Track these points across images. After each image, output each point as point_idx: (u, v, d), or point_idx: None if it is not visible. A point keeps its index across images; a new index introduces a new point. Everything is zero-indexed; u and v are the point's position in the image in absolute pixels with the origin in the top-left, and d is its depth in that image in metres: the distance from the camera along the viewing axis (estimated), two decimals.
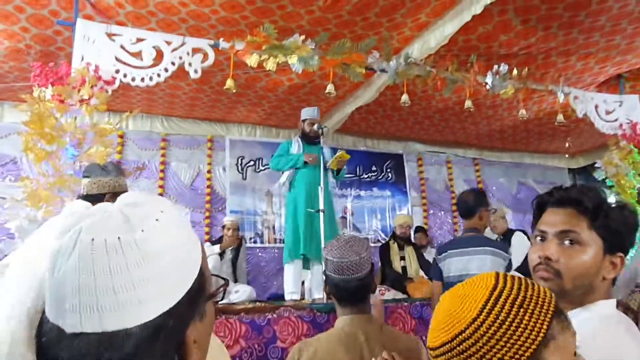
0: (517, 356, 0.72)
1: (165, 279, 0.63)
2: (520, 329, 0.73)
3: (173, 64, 3.60)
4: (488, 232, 5.75)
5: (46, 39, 4.18)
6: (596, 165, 5.19)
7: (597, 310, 1.13)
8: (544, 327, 0.74)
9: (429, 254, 6.09)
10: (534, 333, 0.73)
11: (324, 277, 1.86)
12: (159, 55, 3.59)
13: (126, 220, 0.63)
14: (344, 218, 7.04)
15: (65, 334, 0.59)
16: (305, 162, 4.28)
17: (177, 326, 0.64)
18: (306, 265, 4.30)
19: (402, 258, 5.20)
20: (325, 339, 1.73)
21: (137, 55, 3.54)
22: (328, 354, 1.66)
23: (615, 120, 5.08)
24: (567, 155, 8.49)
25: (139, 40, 3.56)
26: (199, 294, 0.68)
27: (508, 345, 0.72)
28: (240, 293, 4.66)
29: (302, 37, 3.84)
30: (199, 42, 3.73)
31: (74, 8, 3.57)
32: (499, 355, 0.72)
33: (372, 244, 6.93)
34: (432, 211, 7.69)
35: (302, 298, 4.43)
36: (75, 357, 0.59)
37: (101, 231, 0.61)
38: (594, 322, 1.10)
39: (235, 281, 5.13)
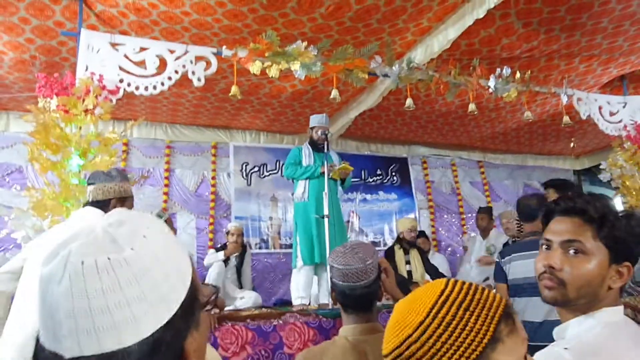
0: (463, 358, 0.73)
1: (159, 293, 0.63)
2: (465, 332, 0.74)
3: (176, 72, 3.63)
4: (494, 235, 5.75)
5: (51, 49, 4.21)
6: (601, 166, 5.17)
7: (601, 318, 1.12)
8: (490, 329, 0.75)
9: (435, 258, 6.08)
10: (479, 335, 0.74)
11: (330, 284, 1.84)
12: (163, 64, 3.62)
13: (113, 240, 0.63)
14: (350, 222, 7.04)
15: None
16: (322, 173, 4.27)
17: (175, 339, 0.64)
18: (315, 271, 4.31)
19: (407, 262, 5.19)
20: (330, 348, 1.70)
21: (141, 64, 3.57)
22: None
23: (620, 121, 5.07)
24: (572, 156, 8.46)
25: (143, 49, 3.59)
26: (193, 305, 0.68)
27: (454, 347, 0.73)
28: (245, 299, 4.66)
29: (305, 43, 3.85)
30: (202, 50, 3.76)
31: (78, 19, 3.61)
32: (445, 357, 0.73)
33: (379, 248, 6.98)
34: (438, 214, 7.67)
35: (309, 303, 4.43)
36: None
37: (90, 253, 0.61)
38: (597, 329, 1.10)
39: (241, 287, 5.13)
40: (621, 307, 1.17)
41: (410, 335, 0.76)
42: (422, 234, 6.44)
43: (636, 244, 1.14)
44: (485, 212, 5.88)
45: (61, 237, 0.65)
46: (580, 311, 1.15)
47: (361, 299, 1.73)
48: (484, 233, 5.77)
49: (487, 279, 5.11)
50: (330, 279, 1.83)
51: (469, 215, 7.76)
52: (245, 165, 6.69)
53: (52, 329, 0.60)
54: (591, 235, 1.14)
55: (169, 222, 4.46)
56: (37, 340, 0.63)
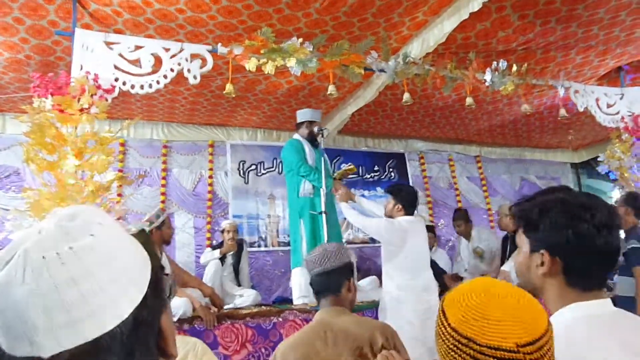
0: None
1: (129, 273, 0.63)
2: None
3: (172, 70, 3.61)
4: (475, 235, 5.76)
5: (45, 49, 4.19)
6: (599, 159, 5.17)
7: (582, 311, 1.13)
8: None
9: (438, 254, 6.09)
10: None
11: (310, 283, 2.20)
12: (158, 62, 3.59)
13: (67, 233, 0.61)
14: (345, 219, 7.01)
15: None
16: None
17: (152, 317, 0.66)
18: None
19: None
20: (301, 331, 2.00)
21: (136, 62, 3.55)
22: (301, 342, 1.88)
23: (617, 113, 5.07)
24: (570, 148, 8.46)
25: (138, 47, 3.57)
26: (159, 284, 0.69)
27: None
28: (245, 297, 4.65)
29: (300, 39, 3.84)
30: (197, 47, 3.74)
31: (72, 18, 3.58)
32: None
33: (377, 244, 6.97)
34: (437, 209, 7.67)
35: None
36: None
37: (49, 247, 0.59)
38: (569, 322, 1.12)
39: (239, 285, 5.12)
40: (607, 300, 1.17)
41: (543, 334, 0.82)
42: (429, 228, 6.43)
43: (546, 230, 1.19)
44: (460, 217, 5.95)
45: (7, 246, 0.62)
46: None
47: (321, 283, 2.07)
48: (466, 236, 5.80)
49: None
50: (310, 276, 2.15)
51: (468, 209, 7.76)
52: (243, 164, 6.67)
53: (22, 333, 0.56)
54: (521, 230, 1.28)
55: (167, 221, 4.44)
56: (1, 351, 0.59)
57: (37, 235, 0.61)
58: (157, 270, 0.70)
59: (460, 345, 0.82)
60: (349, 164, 4.45)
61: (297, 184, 4.38)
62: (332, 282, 2.04)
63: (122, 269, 0.63)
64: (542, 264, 1.19)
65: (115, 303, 0.60)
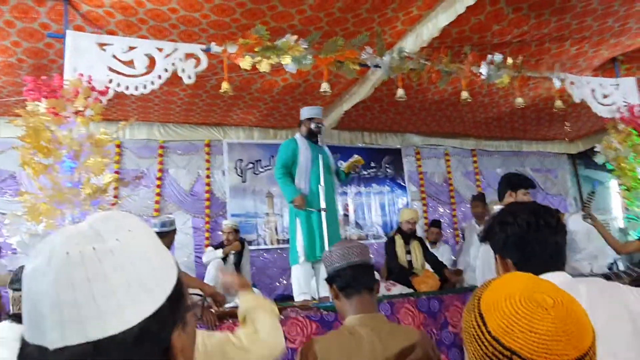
0: None
1: (145, 283, 0.64)
2: None
3: (166, 70, 3.59)
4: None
5: (38, 52, 4.16)
6: (595, 149, 5.17)
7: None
8: None
9: (441, 249, 6.08)
10: None
11: (327, 282, 1.86)
12: (152, 63, 3.57)
13: (98, 234, 0.64)
14: (345, 216, 7.03)
15: (48, 352, 0.59)
16: (292, 202, 4.21)
17: (162, 331, 0.65)
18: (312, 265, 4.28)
19: (408, 252, 5.19)
20: (336, 337, 1.70)
21: (130, 63, 3.53)
22: (339, 353, 1.64)
23: (613, 103, 5.06)
24: (566, 139, 8.45)
25: (131, 48, 3.55)
26: (180, 301, 0.69)
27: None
28: None
29: (295, 37, 3.81)
30: (191, 47, 3.72)
31: (63, 20, 3.56)
32: None
33: (373, 240, 6.99)
34: (431, 204, 7.68)
35: (311, 298, 4.41)
36: None
37: (75, 244, 0.62)
38: None
39: None
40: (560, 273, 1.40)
41: (590, 347, 0.79)
42: (436, 223, 6.42)
43: (494, 239, 1.47)
44: (479, 199, 5.88)
45: (47, 238, 0.66)
46: None
47: (363, 277, 1.77)
48: (480, 220, 5.76)
49: None
50: (327, 274, 1.85)
51: (460, 204, 7.78)
52: (240, 162, 6.66)
53: (35, 322, 0.60)
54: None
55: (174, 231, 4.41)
56: (22, 338, 0.63)
57: (69, 231, 0.65)
58: (181, 286, 0.70)
59: (501, 357, 0.78)
60: (355, 155, 4.42)
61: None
62: (369, 277, 1.81)
63: (139, 278, 0.63)
64: (501, 265, 1.44)
65: (123, 309, 0.61)
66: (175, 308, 0.67)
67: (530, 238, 1.40)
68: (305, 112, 4.40)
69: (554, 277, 1.25)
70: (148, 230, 0.70)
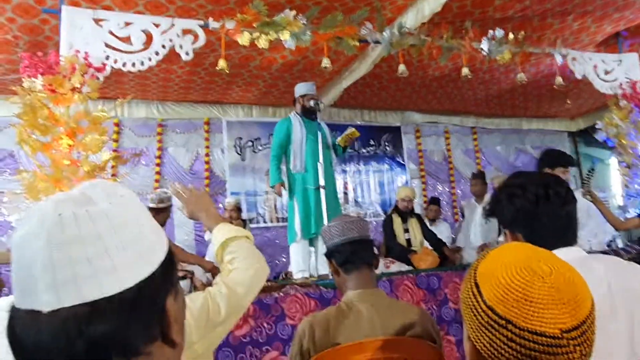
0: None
1: (139, 247, 0.64)
2: None
3: (163, 46, 3.54)
4: (488, 199, 5.73)
5: (33, 28, 4.11)
6: (597, 126, 5.14)
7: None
8: None
9: (440, 226, 6.09)
10: None
11: (326, 256, 1.85)
12: (149, 39, 3.53)
13: (89, 198, 0.64)
14: (345, 194, 7.03)
15: (42, 315, 0.58)
16: (272, 187, 4.35)
17: (157, 295, 0.65)
18: (310, 242, 4.29)
19: (406, 230, 5.19)
20: (334, 313, 1.69)
21: (126, 40, 3.48)
22: (337, 328, 1.63)
23: (615, 80, 5.02)
24: (567, 118, 8.41)
25: (127, 24, 3.50)
26: (171, 268, 0.70)
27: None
28: None
29: (293, 12, 3.76)
30: (188, 23, 3.66)
31: None
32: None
33: (372, 218, 7.00)
34: (430, 182, 7.67)
35: (310, 275, 4.44)
36: (58, 336, 0.57)
37: (67, 207, 0.61)
38: None
39: None
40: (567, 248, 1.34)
41: (588, 316, 0.78)
42: (434, 201, 6.41)
43: (503, 213, 1.40)
44: (479, 177, 5.86)
45: (35, 206, 0.65)
46: None
47: (363, 252, 1.76)
48: (479, 198, 5.76)
49: (484, 245, 5.11)
50: (327, 249, 1.84)
51: (460, 182, 7.78)
52: (239, 140, 6.64)
53: (28, 285, 0.59)
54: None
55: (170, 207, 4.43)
56: (12, 305, 0.62)
57: (61, 196, 0.64)
58: (171, 254, 0.70)
59: (496, 326, 0.77)
60: (350, 127, 4.38)
61: (287, 162, 4.36)
62: (369, 252, 1.79)
63: (133, 241, 0.64)
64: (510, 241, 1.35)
65: (118, 270, 0.61)
66: (167, 274, 0.68)
67: (541, 210, 1.33)
68: (299, 89, 4.37)
69: (568, 253, 1.23)
70: (137, 199, 0.71)
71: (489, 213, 1.48)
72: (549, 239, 1.28)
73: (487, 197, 5.71)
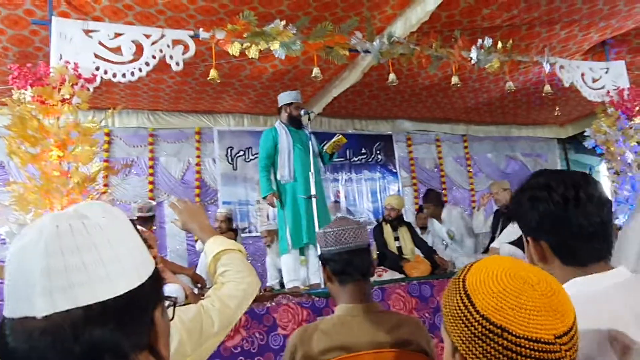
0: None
1: (130, 260, 0.68)
2: None
3: (154, 57, 3.55)
4: (446, 217, 5.74)
5: (23, 39, 4.10)
6: (585, 133, 5.18)
7: (576, 288, 1.08)
8: None
9: (428, 235, 6.09)
10: None
11: (321, 261, 1.78)
12: (139, 50, 3.53)
13: (84, 214, 0.68)
14: (337, 202, 7.03)
15: (35, 322, 0.60)
16: (264, 198, 4.35)
17: (146, 305, 0.69)
18: (301, 252, 4.29)
19: (397, 239, 5.20)
20: (326, 325, 1.64)
21: (117, 50, 3.48)
22: (329, 341, 1.59)
23: (602, 87, 5.08)
24: (557, 124, 8.48)
25: (117, 35, 3.50)
26: (158, 283, 0.74)
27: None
28: None
29: (283, 22, 3.78)
30: (178, 33, 3.67)
31: (48, 6, 3.50)
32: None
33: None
34: (422, 190, 7.69)
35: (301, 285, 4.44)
36: (53, 341, 0.59)
37: (64, 219, 0.65)
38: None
39: None
40: (588, 278, 1.12)
41: (574, 322, 0.80)
42: (422, 209, 6.34)
43: (526, 218, 1.18)
44: (431, 200, 5.79)
45: (35, 221, 0.69)
46: None
47: (358, 262, 1.68)
48: (438, 219, 5.75)
49: None
50: (321, 254, 1.77)
51: (451, 189, 7.83)
52: (231, 150, 6.64)
53: (23, 293, 0.61)
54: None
55: (154, 218, 4.57)
56: (2, 316, 0.64)
57: (58, 213, 0.69)
58: (158, 270, 0.75)
59: (491, 335, 0.77)
60: (338, 135, 4.39)
61: (274, 172, 4.37)
62: (365, 262, 1.70)
63: (125, 254, 0.68)
64: (533, 249, 1.19)
65: (112, 279, 0.64)
66: (155, 287, 0.72)
67: (570, 215, 1.11)
68: (284, 98, 4.39)
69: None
70: (128, 220, 0.75)
71: (508, 217, 1.36)
72: (581, 251, 1.13)
73: (445, 215, 5.71)
